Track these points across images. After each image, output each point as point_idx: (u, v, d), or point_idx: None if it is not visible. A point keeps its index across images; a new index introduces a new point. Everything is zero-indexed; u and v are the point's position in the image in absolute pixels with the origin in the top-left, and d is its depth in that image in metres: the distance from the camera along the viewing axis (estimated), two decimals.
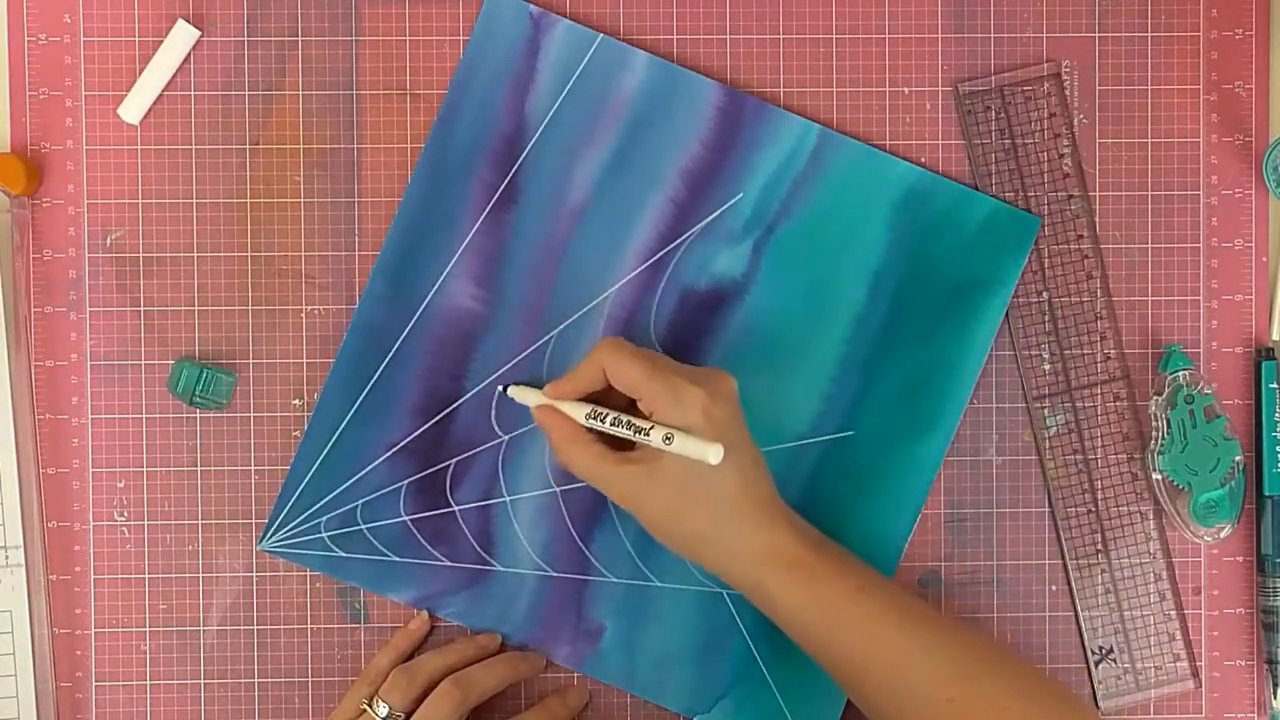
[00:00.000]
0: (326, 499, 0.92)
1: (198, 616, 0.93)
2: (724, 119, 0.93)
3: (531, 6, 0.92)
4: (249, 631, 0.93)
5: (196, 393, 0.91)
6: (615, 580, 0.93)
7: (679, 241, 0.93)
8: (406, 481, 0.92)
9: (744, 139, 0.93)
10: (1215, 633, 0.95)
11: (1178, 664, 0.94)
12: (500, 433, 0.93)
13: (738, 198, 0.93)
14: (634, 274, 0.93)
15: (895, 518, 0.93)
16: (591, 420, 0.85)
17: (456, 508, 0.92)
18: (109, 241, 0.93)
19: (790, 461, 0.93)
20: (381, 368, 0.92)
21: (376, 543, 0.92)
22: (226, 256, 0.93)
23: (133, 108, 0.92)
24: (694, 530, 0.84)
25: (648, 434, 0.83)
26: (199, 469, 0.93)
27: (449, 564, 0.93)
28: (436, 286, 0.93)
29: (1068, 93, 0.94)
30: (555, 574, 0.93)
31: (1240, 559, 0.95)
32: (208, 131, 0.93)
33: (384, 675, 0.89)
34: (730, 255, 0.93)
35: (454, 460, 0.92)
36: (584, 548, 0.93)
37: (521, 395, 0.90)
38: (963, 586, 0.94)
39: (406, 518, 0.92)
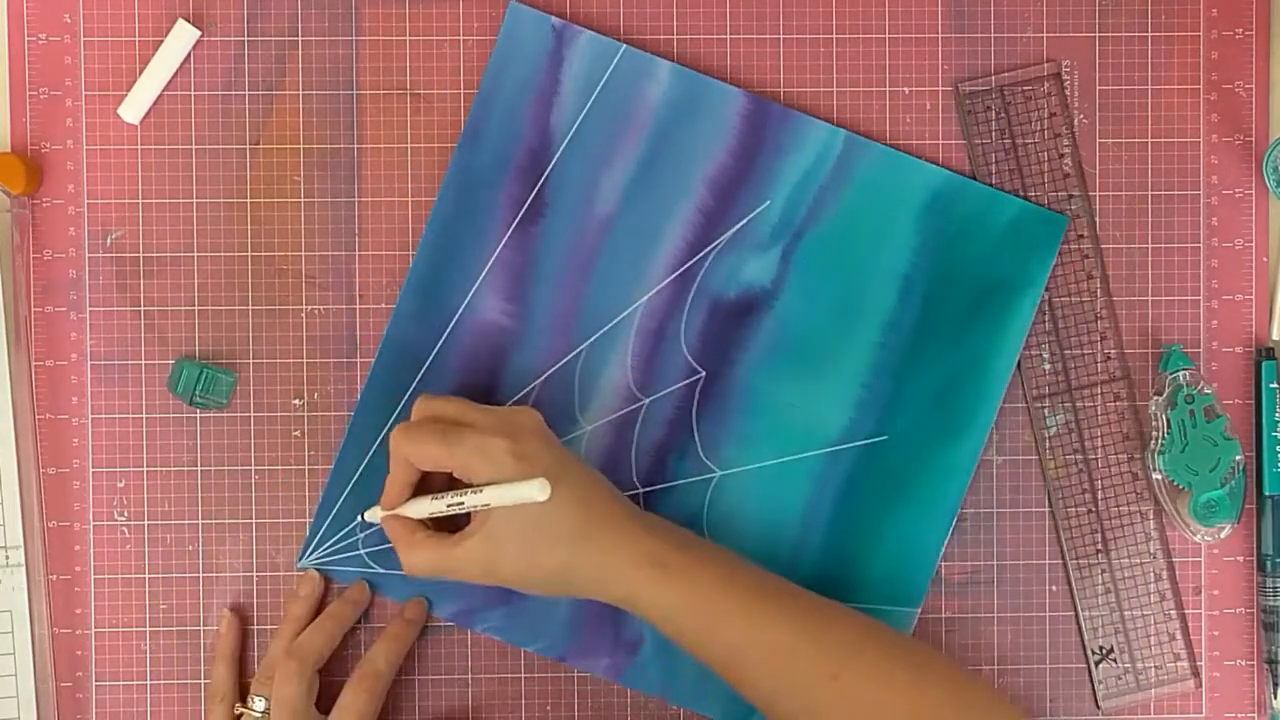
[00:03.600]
0: (360, 512, 0.92)
1: (198, 616, 0.93)
2: (749, 126, 0.92)
3: (553, 19, 0.92)
4: (249, 631, 0.93)
5: (196, 393, 0.91)
6: None
7: (707, 251, 0.93)
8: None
9: (769, 146, 0.93)
10: (1215, 633, 0.95)
11: (1178, 664, 0.94)
12: None
13: (765, 205, 0.93)
14: (663, 285, 0.93)
15: (931, 521, 0.92)
16: (435, 511, 0.84)
17: None
18: (109, 241, 0.93)
19: (824, 468, 0.93)
20: (414, 384, 0.92)
21: None
22: (226, 256, 0.93)
23: (133, 108, 0.92)
24: (552, 570, 0.84)
25: (475, 499, 0.82)
26: (199, 469, 0.93)
27: None
28: (466, 302, 0.92)
29: (1068, 93, 0.94)
30: None
31: (1240, 559, 0.95)
32: (208, 131, 0.93)
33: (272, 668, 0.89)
34: (759, 263, 0.93)
35: None
36: None
37: (370, 516, 0.89)
38: (963, 586, 0.94)
39: None
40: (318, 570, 0.92)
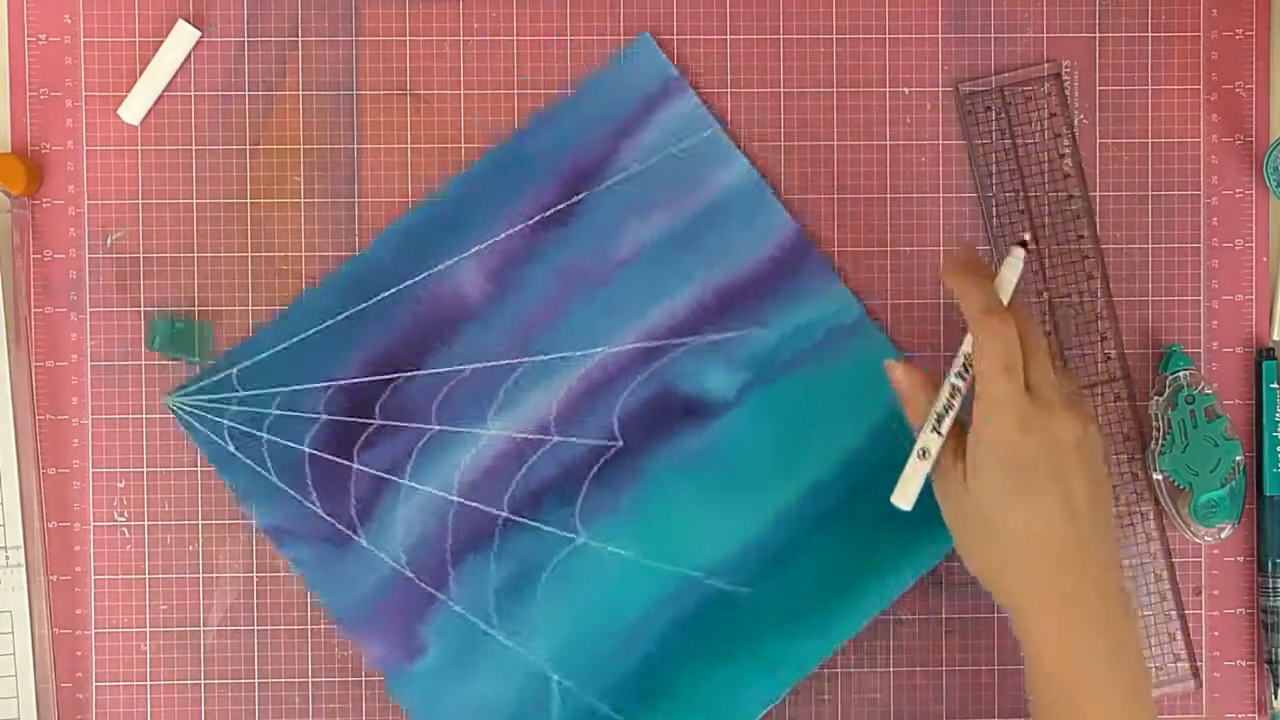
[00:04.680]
0: (248, 392, 0.92)
1: (198, 616, 0.93)
2: (782, 258, 0.93)
3: (674, 69, 0.93)
4: (249, 631, 0.93)
5: (174, 340, 0.91)
6: (460, 610, 0.91)
7: (682, 341, 0.93)
8: (325, 418, 0.91)
9: (790, 285, 0.93)
10: (1215, 633, 0.95)
11: (1178, 664, 0.94)
12: (435, 422, 0.92)
13: (756, 332, 0.93)
14: (628, 347, 0.93)
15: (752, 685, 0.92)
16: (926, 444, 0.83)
17: (356, 465, 0.92)
18: (109, 241, 0.93)
19: (673, 591, 0.92)
20: (363, 305, 0.92)
21: (267, 457, 0.92)
22: (226, 256, 0.93)
23: (133, 108, 0.92)
24: (1000, 512, 0.80)
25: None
26: (199, 469, 0.93)
27: (320, 512, 0.92)
28: (453, 261, 0.92)
29: (1068, 93, 0.94)
30: (410, 573, 0.92)
31: (1240, 559, 0.95)
32: (208, 131, 0.93)
33: None
34: (724, 377, 0.92)
35: (379, 423, 0.92)
36: (449, 565, 0.92)
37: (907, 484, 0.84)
38: (963, 586, 0.94)
39: (307, 450, 0.92)
40: (175, 412, 0.93)
